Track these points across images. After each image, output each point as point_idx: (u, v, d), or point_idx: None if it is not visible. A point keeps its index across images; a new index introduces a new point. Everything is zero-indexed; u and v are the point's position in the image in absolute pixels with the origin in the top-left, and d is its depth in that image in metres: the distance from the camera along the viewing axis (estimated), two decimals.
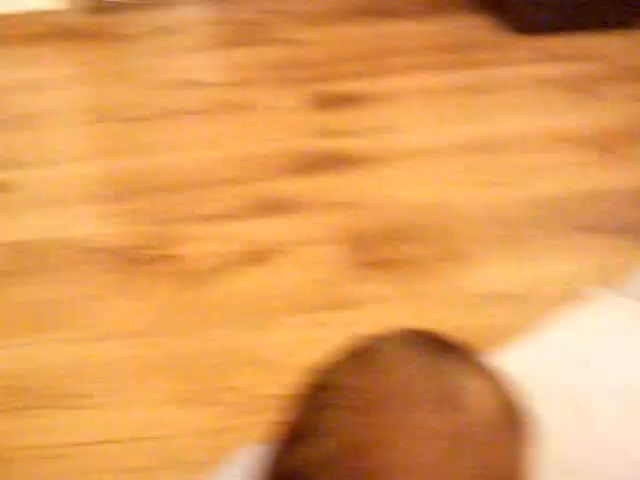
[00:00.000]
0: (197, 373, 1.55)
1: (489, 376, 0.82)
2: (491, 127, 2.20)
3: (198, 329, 1.65)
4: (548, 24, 2.70)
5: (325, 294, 1.72)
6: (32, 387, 1.52)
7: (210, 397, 1.49)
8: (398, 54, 2.60)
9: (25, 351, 1.61)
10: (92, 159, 2.23)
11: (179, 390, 1.51)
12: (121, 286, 1.76)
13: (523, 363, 1.03)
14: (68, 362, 1.58)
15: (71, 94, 2.57)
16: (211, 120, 2.32)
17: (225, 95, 2.43)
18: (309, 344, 1.61)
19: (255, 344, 1.60)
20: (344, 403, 0.81)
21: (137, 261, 1.82)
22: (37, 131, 2.31)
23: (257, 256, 1.81)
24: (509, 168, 2.04)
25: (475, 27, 2.74)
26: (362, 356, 0.85)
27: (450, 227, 1.88)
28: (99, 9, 2.97)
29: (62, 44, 2.81)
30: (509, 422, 0.80)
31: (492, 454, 0.78)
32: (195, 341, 1.62)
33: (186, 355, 1.59)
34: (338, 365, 0.86)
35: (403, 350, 0.84)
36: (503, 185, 1.99)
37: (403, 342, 0.86)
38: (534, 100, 2.35)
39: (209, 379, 1.54)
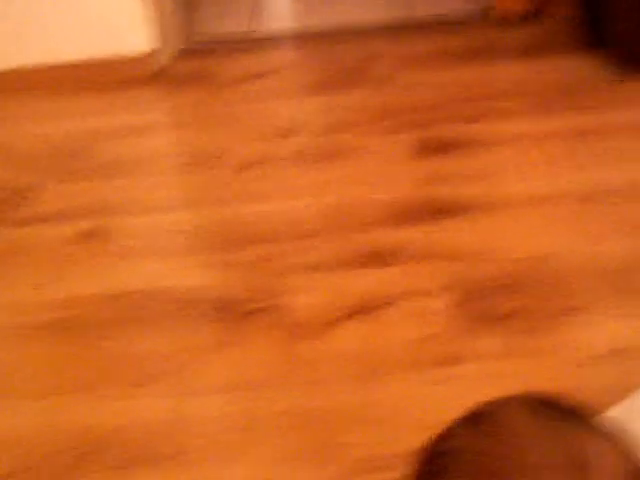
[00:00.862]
0: (306, 430, 1.54)
1: (613, 439, 0.79)
2: (601, 175, 2.16)
3: (304, 384, 1.64)
4: None
5: (434, 349, 1.70)
6: (127, 443, 1.52)
7: (321, 455, 1.48)
8: (501, 98, 2.57)
9: (122, 405, 1.61)
10: (189, 207, 2.26)
11: (286, 448, 1.51)
12: (222, 339, 1.77)
13: None
14: (167, 417, 1.59)
15: (165, 140, 2.61)
16: (311, 168, 2.33)
17: (323, 142, 2.43)
18: (420, 401, 1.59)
19: (366, 401, 1.59)
20: (463, 468, 0.79)
21: (238, 313, 1.83)
22: (132, 178, 2.34)
23: (364, 309, 1.80)
24: (621, 219, 2.00)
25: (580, 66, 2.70)
26: (481, 420, 0.84)
27: (561, 280, 1.84)
28: (192, 53, 3.00)
29: (155, 89, 2.85)
30: None
31: None
32: (302, 397, 1.61)
33: (292, 411, 1.59)
34: (456, 430, 0.85)
35: (523, 414, 0.83)
36: (615, 236, 1.94)
37: (522, 406, 0.85)
38: None
39: (319, 436, 1.53)
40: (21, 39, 2.80)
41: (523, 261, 1.90)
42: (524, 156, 2.31)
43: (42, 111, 2.78)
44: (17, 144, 2.62)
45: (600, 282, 1.83)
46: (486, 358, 1.67)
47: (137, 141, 2.56)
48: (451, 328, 1.74)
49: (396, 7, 3.28)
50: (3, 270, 2.02)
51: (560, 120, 2.44)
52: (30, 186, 2.37)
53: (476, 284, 1.85)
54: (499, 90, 2.64)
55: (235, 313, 1.82)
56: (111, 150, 2.52)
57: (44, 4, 2.79)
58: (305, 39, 3.10)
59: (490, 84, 2.68)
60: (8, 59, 2.83)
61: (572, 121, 2.43)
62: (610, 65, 2.66)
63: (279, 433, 1.54)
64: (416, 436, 1.50)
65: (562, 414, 0.83)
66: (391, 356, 1.69)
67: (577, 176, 2.17)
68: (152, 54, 2.85)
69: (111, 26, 2.81)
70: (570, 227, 2.00)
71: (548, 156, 2.28)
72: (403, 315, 1.78)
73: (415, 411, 1.56)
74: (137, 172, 2.40)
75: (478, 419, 0.85)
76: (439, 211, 2.09)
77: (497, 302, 1.80)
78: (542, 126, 2.43)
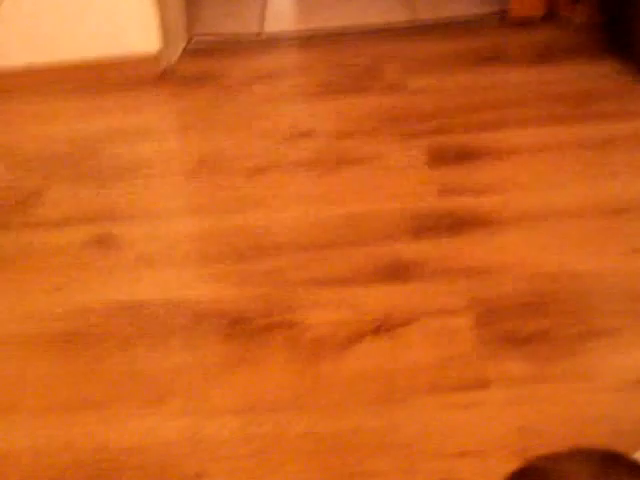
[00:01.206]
0: (323, 455, 1.51)
1: None
2: (622, 188, 2.11)
3: (322, 407, 1.60)
4: None
5: (457, 372, 1.65)
6: (142, 464, 1.47)
7: None
8: (516, 104, 2.53)
9: (135, 424, 1.56)
10: (198, 214, 2.20)
11: (303, 474, 1.46)
12: (236, 356, 1.72)
13: None
14: (181, 438, 1.53)
15: (172, 144, 2.55)
16: (322, 175, 2.27)
17: (335, 148, 2.38)
18: (442, 428, 1.55)
19: (385, 426, 1.55)
20: None
21: (252, 329, 1.79)
22: (140, 183, 2.29)
23: (381, 327, 1.76)
24: None
25: (598, 73, 2.66)
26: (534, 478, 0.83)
27: (587, 299, 1.80)
28: (199, 53, 2.95)
29: (161, 90, 2.80)
30: None
31: None
32: (319, 420, 1.58)
33: (309, 435, 1.55)
34: None
35: (587, 474, 0.82)
36: None
37: (585, 463, 0.84)
38: None
39: (337, 463, 1.50)
40: (27, 39, 2.75)
41: (545, 278, 1.86)
42: (542, 167, 2.26)
43: (48, 112, 2.73)
44: (23, 145, 2.57)
45: (628, 303, 1.78)
46: (511, 382, 1.63)
47: (144, 144, 2.51)
48: (473, 349, 1.70)
49: (407, 8, 3.23)
50: (12, 275, 1.96)
51: (578, 128, 2.40)
52: (37, 189, 2.33)
53: (498, 303, 1.80)
54: (515, 96, 2.59)
55: (250, 329, 1.78)
56: (118, 153, 2.47)
57: (50, 4, 2.73)
58: (314, 41, 3.04)
59: (505, 90, 2.63)
60: (14, 59, 2.78)
61: (591, 130, 2.39)
62: (630, 69, 2.60)
63: (296, 458, 1.50)
64: (437, 465, 1.47)
65: (629, 473, 0.80)
66: (411, 378, 1.64)
67: (600, 189, 2.13)
68: (158, 54, 2.79)
69: (117, 26, 2.76)
70: (594, 243, 1.95)
71: (567, 167, 2.24)
72: (423, 334, 1.73)
73: (436, 438, 1.52)
74: (145, 176, 2.35)
75: (533, 476, 0.82)
76: (456, 224, 2.05)
77: (520, 322, 1.75)
78: (560, 135, 2.39)
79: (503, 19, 3.06)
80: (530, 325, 1.74)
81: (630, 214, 2.02)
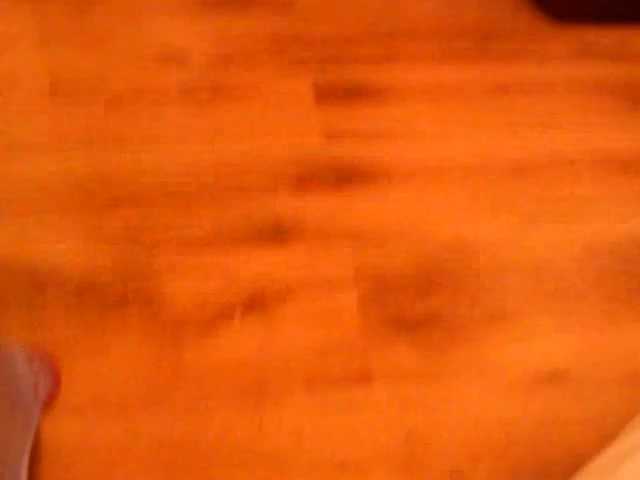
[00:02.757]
0: (182, 466, 1.36)
1: None
2: (521, 144, 1.97)
3: (179, 404, 1.44)
4: (590, 12, 2.46)
5: (337, 362, 1.52)
6: None
7: None
8: (412, 37, 2.34)
9: None
10: (49, 150, 1.96)
11: None
12: (82, 336, 1.52)
13: None
14: None
15: (24, 59, 2.27)
16: (194, 108, 2.06)
17: (211, 76, 2.16)
18: (319, 434, 1.42)
19: (251, 431, 1.40)
20: None
21: (103, 303, 1.58)
22: None
23: (256, 302, 1.59)
24: (551, 200, 1.83)
25: (500, 7, 2.49)
26: None
27: (483, 274, 1.67)
28: None
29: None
30: None
31: None
32: (175, 421, 1.41)
33: (163, 439, 1.37)
34: None
35: None
36: (548, 222, 1.78)
37: None
38: (575, 109, 2.13)
39: (199, 475, 1.33)
40: None
41: (438, 248, 1.72)
42: (438, 112, 2.10)
43: None
44: None
45: (532, 281, 1.66)
46: (398, 376, 1.50)
47: None
48: (358, 333, 1.56)
49: None
50: None
51: (475, 70, 2.24)
52: None
53: (385, 276, 1.66)
54: (411, 27, 2.40)
55: (97, 301, 1.58)
56: None
57: None
58: None
59: (401, 18, 2.44)
60: None
61: (489, 73, 2.23)
62: (533, 9, 2.46)
63: (148, 469, 1.34)
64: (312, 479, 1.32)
65: None
66: (286, 370, 1.49)
67: (498, 144, 1.99)
68: None
69: None
70: (491, 207, 1.82)
71: (464, 114, 2.09)
72: (301, 313, 1.58)
73: (312, 446, 1.39)
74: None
75: None
76: (342, 175, 1.88)
77: (410, 301, 1.61)
78: (458, 75, 2.23)
79: None
80: (420, 305, 1.61)
81: (527, 174, 1.89)
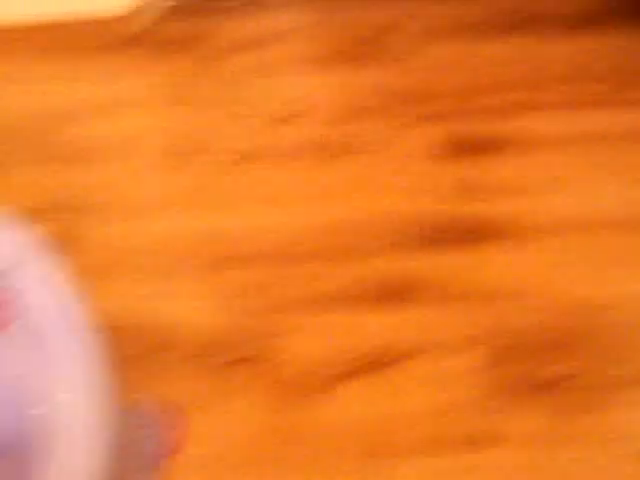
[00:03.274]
0: None
1: None
2: None
3: (295, 464, 1.41)
4: None
5: (457, 426, 1.48)
6: None
7: None
8: (546, 84, 2.28)
9: None
10: (168, 211, 1.99)
11: None
12: (198, 396, 1.52)
13: None
14: None
15: (144, 121, 2.32)
16: (315, 167, 2.05)
17: (333, 133, 2.15)
18: None
19: None
20: None
21: (220, 362, 1.58)
22: (102, 169, 2.08)
23: (373, 364, 1.57)
24: None
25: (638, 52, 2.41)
26: None
27: (624, 338, 1.59)
28: (182, 12, 2.71)
29: (135, 55, 2.55)
30: None
31: None
32: None
33: None
34: None
35: None
36: None
37: None
38: None
39: None
40: None
41: (575, 309, 1.66)
42: (575, 164, 2.03)
43: (1, 78, 2.50)
44: None
45: None
46: (523, 441, 1.44)
47: (110, 120, 2.28)
48: (480, 397, 1.51)
49: None
50: None
51: (619, 117, 2.16)
52: None
53: (514, 338, 1.61)
54: (544, 74, 2.35)
55: (222, 359, 1.58)
56: (79, 131, 2.24)
57: None
58: (314, 3, 2.78)
59: (533, 66, 2.38)
60: None
61: (627, 118, 2.15)
62: None
63: None
64: None
65: None
66: (403, 432, 1.46)
67: None
68: (132, 14, 2.56)
69: None
70: (634, 265, 1.73)
71: (604, 166, 2.01)
72: (420, 376, 1.55)
73: None
74: (109, 161, 2.13)
75: None
76: (470, 234, 1.84)
77: (540, 364, 1.56)
78: (598, 124, 2.15)
79: None
80: (552, 368, 1.55)
81: None
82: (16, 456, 1.19)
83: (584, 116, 2.17)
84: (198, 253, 1.82)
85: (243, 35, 2.52)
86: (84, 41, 2.48)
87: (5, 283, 1.24)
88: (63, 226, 1.88)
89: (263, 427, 1.47)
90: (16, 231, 1.27)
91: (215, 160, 2.08)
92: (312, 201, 1.95)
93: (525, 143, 2.08)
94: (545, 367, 1.55)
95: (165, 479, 1.40)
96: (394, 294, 1.70)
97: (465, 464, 1.40)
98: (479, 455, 1.42)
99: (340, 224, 1.87)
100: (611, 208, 1.88)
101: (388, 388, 1.53)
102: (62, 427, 1.22)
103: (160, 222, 1.93)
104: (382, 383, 1.54)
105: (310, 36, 2.54)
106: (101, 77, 2.40)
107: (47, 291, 1.26)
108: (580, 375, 1.54)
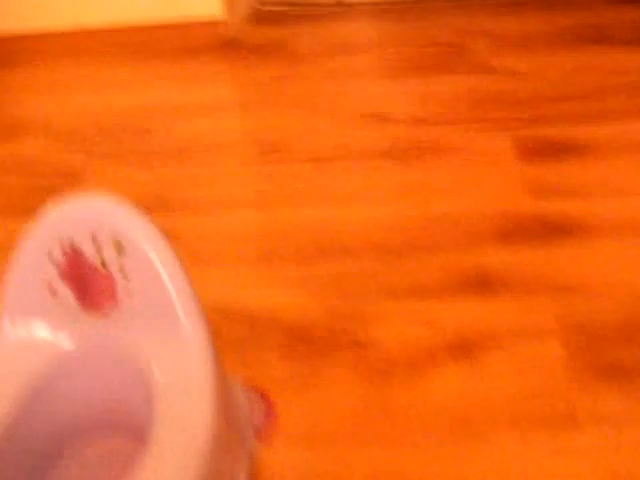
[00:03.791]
0: None
1: None
2: None
3: (393, 440, 1.50)
4: None
5: (545, 408, 1.53)
6: None
7: None
8: (620, 94, 2.35)
9: None
10: (256, 207, 2.09)
11: None
12: (298, 376, 1.61)
13: None
14: None
15: (232, 123, 2.43)
16: (399, 167, 2.14)
17: (415, 136, 2.24)
18: (525, 474, 1.42)
19: (461, 466, 1.43)
20: None
21: (316, 345, 1.66)
22: (192, 167, 2.17)
23: (463, 349, 1.64)
24: None
25: None
26: None
27: None
28: (268, 19, 2.82)
29: (224, 60, 2.68)
30: None
31: None
32: (390, 455, 1.47)
33: (380, 474, 1.42)
34: None
35: None
36: None
37: None
38: None
39: None
40: None
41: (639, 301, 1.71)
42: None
43: (96, 79, 2.62)
44: (65, 116, 2.48)
45: None
46: (607, 423, 1.49)
47: (199, 121, 2.40)
48: (566, 382, 1.57)
49: None
50: None
51: None
52: (78, 168, 2.23)
53: (594, 327, 1.67)
54: (620, 84, 2.42)
55: (313, 345, 1.67)
56: (170, 131, 2.37)
57: None
58: (397, 12, 2.88)
59: (610, 76, 2.46)
60: (62, 18, 2.66)
61: None
62: None
63: None
64: None
65: None
66: (492, 413, 1.53)
67: None
68: (221, 19, 2.67)
69: None
70: None
71: None
72: (509, 360, 1.61)
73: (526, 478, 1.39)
74: (199, 160, 2.24)
75: None
76: (549, 231, 1.91)
77: (620, 352, 1.61)
78: None
79: None
80: (632, 356, 1.61)
81: None
82: (145, 436, 1.26)
83: None
84: (291, 245, 1.91)
85: (330, 41, 2.63)
86: (178, 44, 2.59)
87: (119, 261, 1.33)
88: (162, 219, 1.98)
89: (356, 406, 1.54)
90: (129, 215, 1.36)
91: (303, 158, 2.17)
92: (399, 198, 2.04)
93: (596, 150, 2.14)
94: (623, 356, 1.60)
95: (265, 451, 1.48)
96: (475, 287, 1.78)
97: (549, 444, 1.46)
98: (561, 435, 1.48)
99: (426, 220, 1.95)
100: None
101: (473, 371, 1.60)
102: (181, 400, 1.30)
103: (253, 215, 2.02)
104: (467, 367, 1.61)
105: (394, 43, 2.63)
106: (193, 79, 2.51)
107: (159, 270, 1.34)
108: None
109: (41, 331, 1.38)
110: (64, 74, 2.68)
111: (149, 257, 1.34)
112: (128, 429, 1.45)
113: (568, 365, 1.59)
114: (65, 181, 2.18)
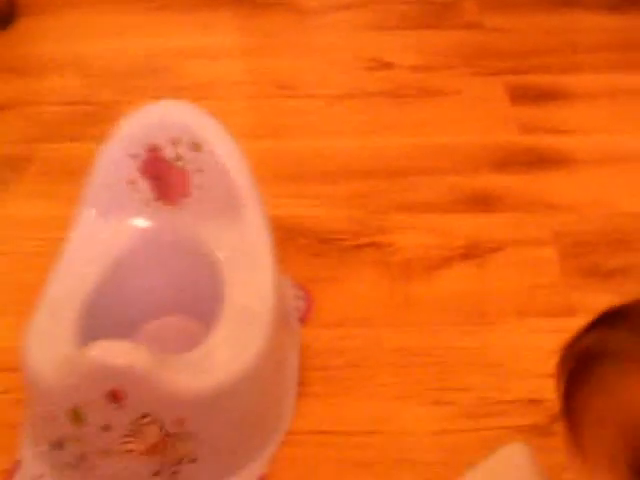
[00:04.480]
0: (416, 369, 1.61)
1: None
2: None
3: (413, 324, 1.71)
4: None
5: (544, 299, 1.76)
6: None
7: (432, 396, 1.55)
8: (590, 51, 2.61)
9: None
10: (280, 136, 2.29)
11: (403, 386, 1.57)
12: (329, 271, 1.82)
13: None
14: None
15: (249, 65, 2.64)
16: (403, 105, 2.37)
17: (416, 80, 2.47)
18: (529, 350, 1.66)
19: (474, 346, 1.66)
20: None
21: (343, 247, 1.88)
22: (213, 101, 2.35)
23: (470, 253, 1.86)
24: None
25: None
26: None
27: None
28: None
29: (239, 10, 2.87)
30: None
31: None
32: (411, 336, 1.68)
33: (402, 350, 1.65)
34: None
35: None
36: None
37: None
38: None
39: (429, 377, 1.59)
40: None
41: (626, 218, 1.96)
42: (619, 111, 2.34)
43: (123, 24, 2.81)
44: (97, 58, 2.66)
45: None
46: (597, 311, 1.72)
47: (220, 64, 2.60)
48: (559, 279, 1.80)
49: None
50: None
51: None
52: (112, 103, 2.41)
53: (580, 237, 1.91)
54: (590, 42, 2.67)
55: (340, 247, 1.88)
56: (185, 71, 2.56)
57: None
58: None
59: (581, 35, 2.71)
60: None
61: None
62: None
63: (389, 370, 1.61)
64: (526, 384, 1.57)
65: None
66: (499, 302, 1.75)
67: None
68: None
69: None
70: None
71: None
72: (511, 262, 1.84)
73: (525, 359, 1.62)
74: (215, 94, 2.43)
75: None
76: (537, 160, 2.15)
77: (604, 257, 1.85)
78: (637, 82, 2.46)
79: None
80: (614, 260, 1.85)
81: None
82: (209, 318, 1.45)
83: (622, 78, 2.49)
84: (313, 168, 2.13)
85: None
86: None
87: (193, 158, 1.53)
88: None
89: (381, 296, 1.76)
90: (203, 118, 1.56)
91: (311, 95, 2.39)
92: (404, 131, 2.27)
93: (572, 96, 2.41)
94: (606, 259, 1.85)
95: (306, 332, 1.70)
96: (476, 203, 2.01)
97: (549, 328, 1.69)
98: (560, 321, 1.71)
99: (429, 150, 2.18)
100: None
101: (480, 271, 1.82)
102: (245, 280, 1.49)
103: (271, 144, 2.23)
104: (475, 267, 1.83)
105: (389, 3, 2.85)
106: (205, 27, 2.73)
107: (228, 167, 1.55)
108: (636, 267, 1.83)
109: (121, 218, 1.57)
110: (87, 20, 2.86)
111: (220, 155, 1.53)
112: (193, 311, 1.65)
113: (561, 267, 1.82)
114: (101, 111, 2.36)
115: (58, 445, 1.37)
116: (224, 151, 1.54)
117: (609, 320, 0.91)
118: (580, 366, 0.90)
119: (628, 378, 0.83)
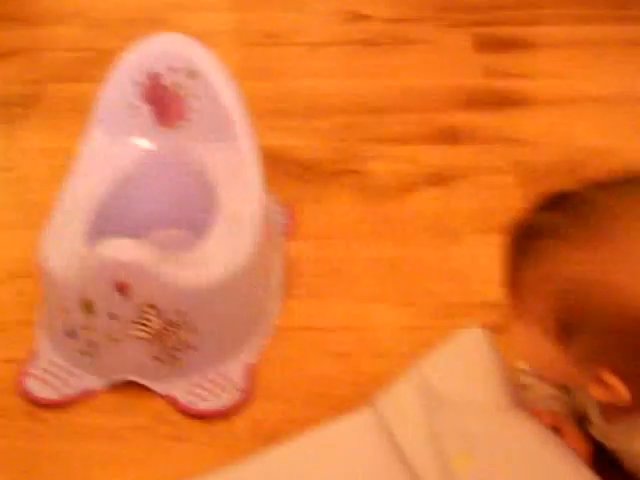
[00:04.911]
0: (392, 276, 1.72)
1: None
2: None
3: (389, 238, 1.82)
4: None
5: (502, 219, 1.85)
6: None
7: (405, 299, 1.66)
8: (555, 5, 2.71)
9: None
10: (264, 78, 2.39)
11: (378, 290, 1.68)
12: (311, 194, 1.93)
13: None
14: None
15: (234, 17, 2.75)
16: (380, 52, 2.49)
17: (390, 30, 2.60)
18: (491, 261, 1.75)
19: (444, 256, 1.78)
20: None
21: (324, 173, 1.98)
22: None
23: (439, 179, 1.98)
24: None
25: None
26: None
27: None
28: None
29: None
30: None
31: None
32: (388, 248, 1.80)
33: (380, 259, 1.76)
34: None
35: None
36: None
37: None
38: None
39: (404, 282, 1.71)
40: None
41: (584, 152, 2.07)
42: (579, 60, 2.48)
43: None
44: (94, 10, 2.75)
45: None
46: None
47: (207, 16, 2.70)
48: (518, 202, 1.88)
49: None
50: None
51: (617, 29, 2.61)
52: (110, 49, 2.49)
53: (540, 167, 2.03)
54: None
55: (322, 172, 1.99)
56: (180, 22, 2.66)
57: None
58: None
59: None
60: None
61: (630, 31, 2.57)
62: None
63: (370, 276, 1.72)
64: (489, 288, 1.68)
65: None
66: (463, 221, 1.87)
67: (633, 83, 2.33)
68: None
69: None
70: (630, 128, 2.15)
71: (603, 62, 2.44)
72: (473, 187, 1.96)
73: (486, 268, 1.73)
74: (210, 44, 2.50)
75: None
76: (500, 101, 2.28)
77: (562, 182, 1.95)
78: (597, 34, 2.60)
79: None
80: (567, 185, 1.94)
81: None
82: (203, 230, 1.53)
83: (583, 29, 2.59)
84: (296, 105, 2.25)
85: None
86: None
87: (190, 85, 1.62)
88: None
89: (358, 214, 1.88)
90: (199, 49, 1.65)
91: (294, 42, 2.49)
92: (377, 75, 2.41)
93: (535, 45, 2.54)
94: (558, 183, 1.93)
95: (289, 246, 1.80)
96: (444, 137, 2.13)
97: None
98: None
99: (401, 91, 2.31)
100: (601, 90, 2.33)
101: (446, 194, 1.94)
102: (236, 196, 1.59)
103: (259, 85, 2.33)
104: (442, 191, 1.95)
105: None
106: None
107: (221, 93, 1.64)
108: None
109: (125, 138, 1.66)
110: None
111: (214, 82, 1.62)
112: (189, 225, 1.75)
113: (519, 191, 1.94)
114: (102, 56, 2.44)
115: (72, 333, 1.46)
116: (218, 79, 1.63)
117: (549, 204, 1.03)
118: (522, 242, 1.02)
119: (559, 253, 0.95)
